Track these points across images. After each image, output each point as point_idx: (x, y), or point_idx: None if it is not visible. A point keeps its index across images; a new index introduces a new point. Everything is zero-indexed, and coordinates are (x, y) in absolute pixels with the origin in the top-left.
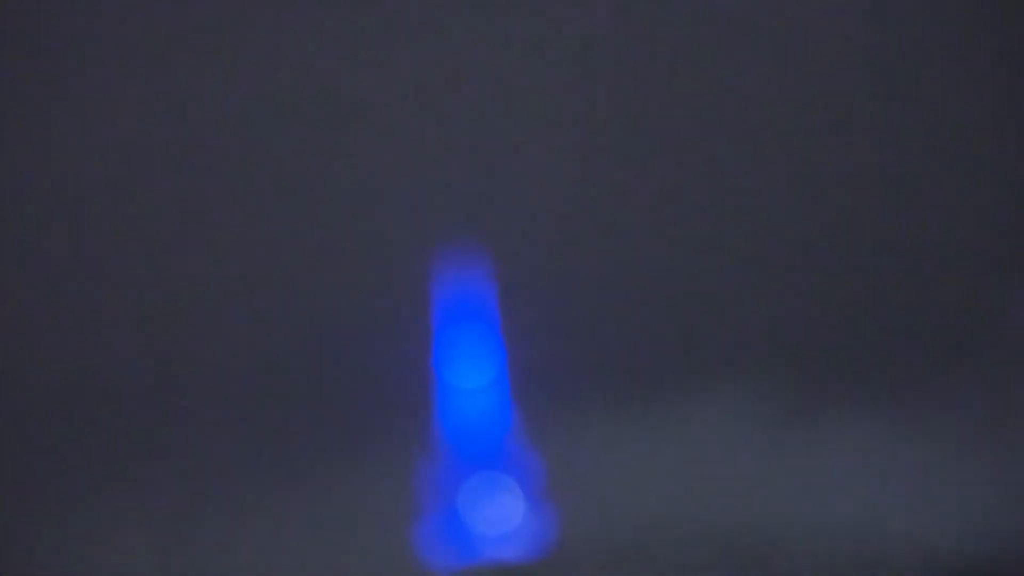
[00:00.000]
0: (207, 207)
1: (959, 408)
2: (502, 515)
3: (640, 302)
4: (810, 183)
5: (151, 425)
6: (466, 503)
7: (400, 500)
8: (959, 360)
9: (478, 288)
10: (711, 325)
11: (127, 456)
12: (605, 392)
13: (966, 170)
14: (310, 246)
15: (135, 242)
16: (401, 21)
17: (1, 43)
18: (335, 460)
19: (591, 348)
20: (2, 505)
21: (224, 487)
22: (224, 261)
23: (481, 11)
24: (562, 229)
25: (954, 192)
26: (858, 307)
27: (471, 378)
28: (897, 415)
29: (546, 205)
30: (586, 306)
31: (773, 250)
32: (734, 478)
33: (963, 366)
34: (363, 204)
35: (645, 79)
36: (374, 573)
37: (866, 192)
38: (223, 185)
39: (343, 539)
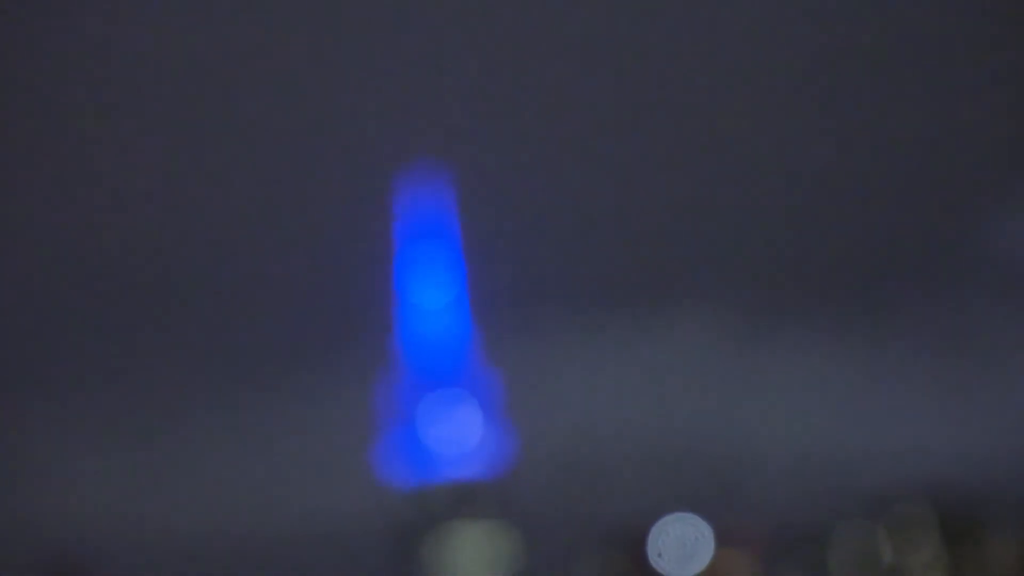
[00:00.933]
0: (170, 127)
1: (922, 328)
2: (461, 433)
3: (603, 221)
4: (775, 104)
5: (109, 345)
6: (425, 421)
7: (359, 418)
8: (923, 281)
9: (439, 206)
10: (675, 243)
11: (86, 377)
12: (566, 310)
13: (931, 95)
14: (271, 165)
15: (105, 159)
16: None
17: None
18: (294, 378)
19: (553, 266)
20: None
21: (183, 406)
22: (184, 181)
23: None
24: (524, 147)
25: (920, 115)
26: (824, 227)
27: (432, 296)
28: (861, 334)
29: (508, 123)
30: (548, 224)
31: (739, 169)
32: (697, 396)
33: (927, 287)
34: (326, 123)
35: (607, 1)
36: (333, 491)
37: (832, 114)
38: (185, 106)
39: (302, 457)
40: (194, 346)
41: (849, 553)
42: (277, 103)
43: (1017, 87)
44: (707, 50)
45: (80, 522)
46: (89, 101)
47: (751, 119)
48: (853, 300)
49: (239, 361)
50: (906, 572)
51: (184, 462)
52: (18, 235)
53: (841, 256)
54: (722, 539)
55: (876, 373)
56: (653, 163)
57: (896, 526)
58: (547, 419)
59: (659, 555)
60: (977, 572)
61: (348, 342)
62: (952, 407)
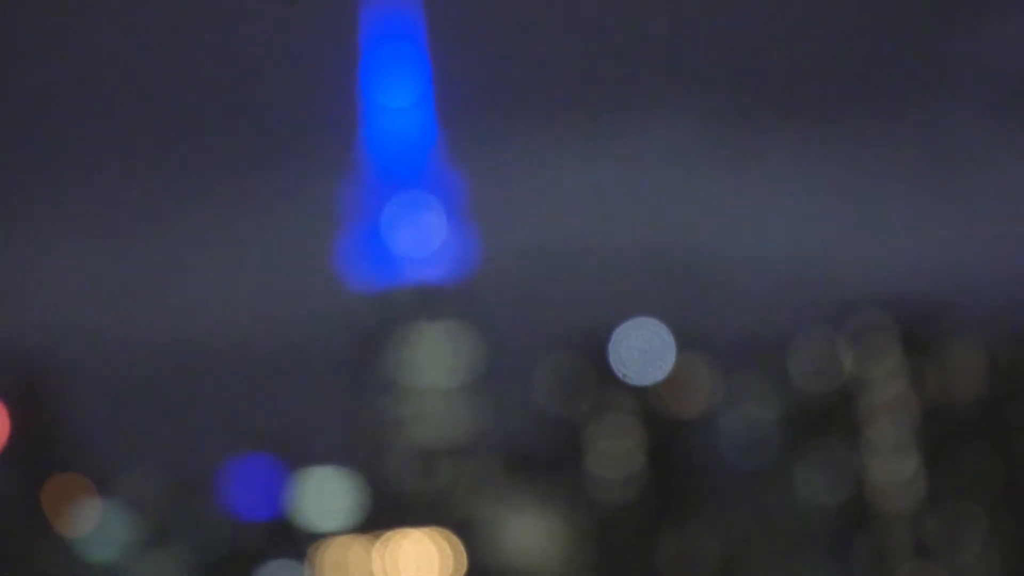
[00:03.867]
0: None
1: (890, 143)
2: (425, 236)
3: (577, 22)
4: None
5: (80, 141)
6: (389, 224)
7: (323, 220)
8: (893, 97)
9: (406, 4)
10: (648, 51)
11: (57, 173)
12: (536, 114)
13: None
14: None
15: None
16: None
17: None
18: (259, 178)
19: (523, 68)
20: None
21: (150, 206)
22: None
23: None
24: None
25: None
26: (804, 34)
27: (397, 96)
28: (827, 147)
29: None
30: (518, 22)
31: None
32: (663, 204)
33: (897, 104)
34: None
35: None
36: (296, 294)
37: None
38: None
39: (265, 261)
40: (160, 149)
41: (810, 362)
42: None
43: None
44: None
45: (45, 329)
46: None
47: None
48: (822, 114)
49: (204, 163)
50: (867, 382)
51: (147, 269)
52: None
53: (812, 69)
54: (684, 345)
55: (841, 186)
56: None
57: (857, 336)
58: (512, 224)
59: (621, 361)
60: (938, 382)
61: (312, 144)
62: (915, 219)
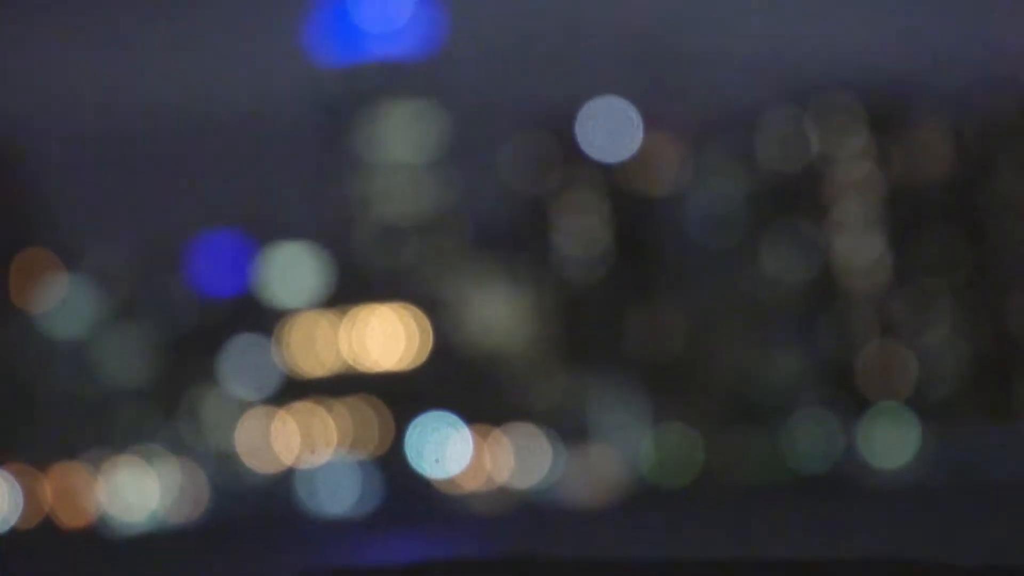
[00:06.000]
0: None
1: None
2: (392, 10)
3: None
4: None
5: None
6: None
7: None
8: None
9: None
10: None
11: None
12: None
13: None
14: None
15: None
16: None
17: None
18: None
19: None
20: None
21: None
22: None
23: None
24: None
25: None
26: None
27: None
28: None
29: None
30: None
31: None
32: None
33: None
34: None
35: None
36: (264, 67)
37: None
38: None
39: (234, 32)
40: None
41: (776, 140)
42: None
43: None
44: None
45: (10, 103)
46: None
47: None
48: None
49: None
50: (834, 161)
51: (114, 41)
52: None
53: None
54: (651, 124)
55: None
56: None
57: (825, 115)
58: None
59: (588, 140)
60: (905, 161)
61: None
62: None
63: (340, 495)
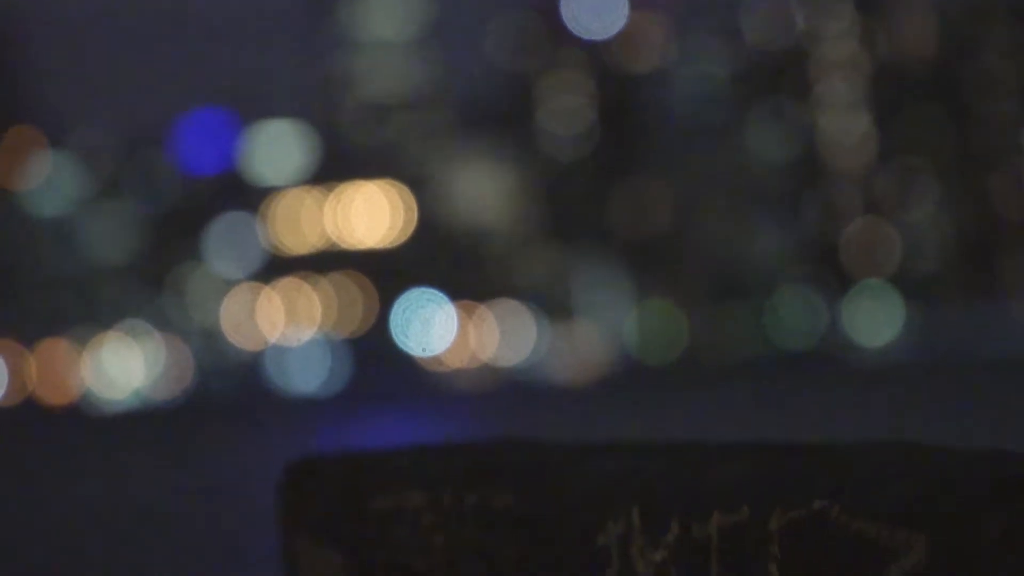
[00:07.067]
0: None
1: None
2: None
3: None
4: None
5: None
6: None
7: None
8: None
9: None
10: None
11: None
12: None
13: None
14: None
15: None
16: None
17: None
18: None
19: None
20: None
21: None
22: None
23: None
24: None
25: None
26: None
27: None
28: None
29: None
30: None
31: None
32: None
33: None
34: None
35: None
36: None
37: None
38: None
39: None
40: None
41: (763, 19)
42: None
43: None
44: None
45: None
46: None
47: None
48: None
49: None
50: (820, 39)
51: None
52: None
53: None
54: (636, 1)
55: None
56: None
57: None
58: None
59: (573, 18)
60: (891, 40)
61: None
62: None
63: (312, 374)
